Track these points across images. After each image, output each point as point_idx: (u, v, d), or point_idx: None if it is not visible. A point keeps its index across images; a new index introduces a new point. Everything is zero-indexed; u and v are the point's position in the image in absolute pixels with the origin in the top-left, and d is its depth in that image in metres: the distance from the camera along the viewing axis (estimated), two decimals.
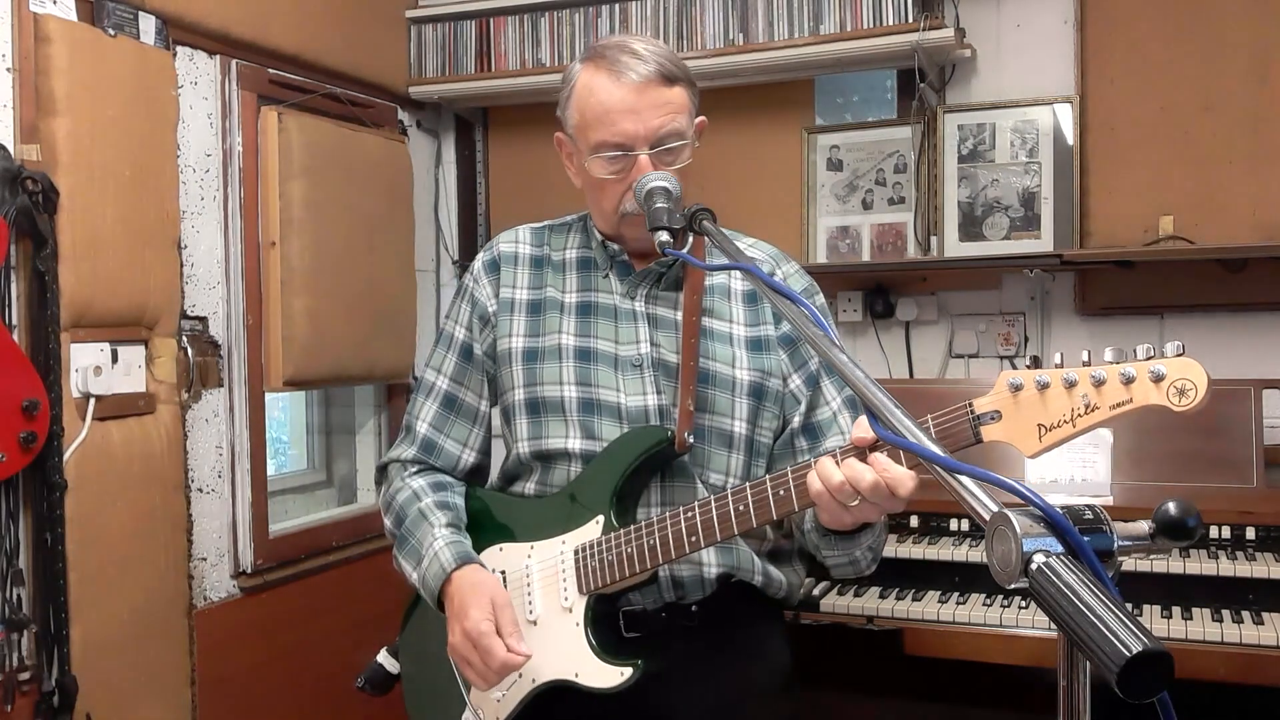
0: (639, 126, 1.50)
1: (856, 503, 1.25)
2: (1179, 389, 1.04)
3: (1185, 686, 1.51)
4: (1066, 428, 1.11)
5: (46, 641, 2.14)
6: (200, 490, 2.60)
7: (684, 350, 1.54)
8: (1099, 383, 1.08)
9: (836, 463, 1.26)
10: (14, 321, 2.12)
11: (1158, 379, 1.05)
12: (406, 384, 3.29)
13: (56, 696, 2.15)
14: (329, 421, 3.36)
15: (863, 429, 1.26)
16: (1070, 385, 1.10)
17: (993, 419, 1.16)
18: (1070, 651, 0.82)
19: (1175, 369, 1.05)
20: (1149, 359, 1.06)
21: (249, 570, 2.69)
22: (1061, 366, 1.12)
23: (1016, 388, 1.14)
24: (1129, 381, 1.07)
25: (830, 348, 1.13)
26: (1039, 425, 1.13)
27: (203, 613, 2.56)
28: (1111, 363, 1.08)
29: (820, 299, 1.65)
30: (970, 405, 1.18)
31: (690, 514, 1.41)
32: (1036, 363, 1.15)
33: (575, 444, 1.56)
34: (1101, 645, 0.72)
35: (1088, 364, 1.10)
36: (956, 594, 2.36)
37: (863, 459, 1.25)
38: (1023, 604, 2.28)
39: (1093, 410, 1.09)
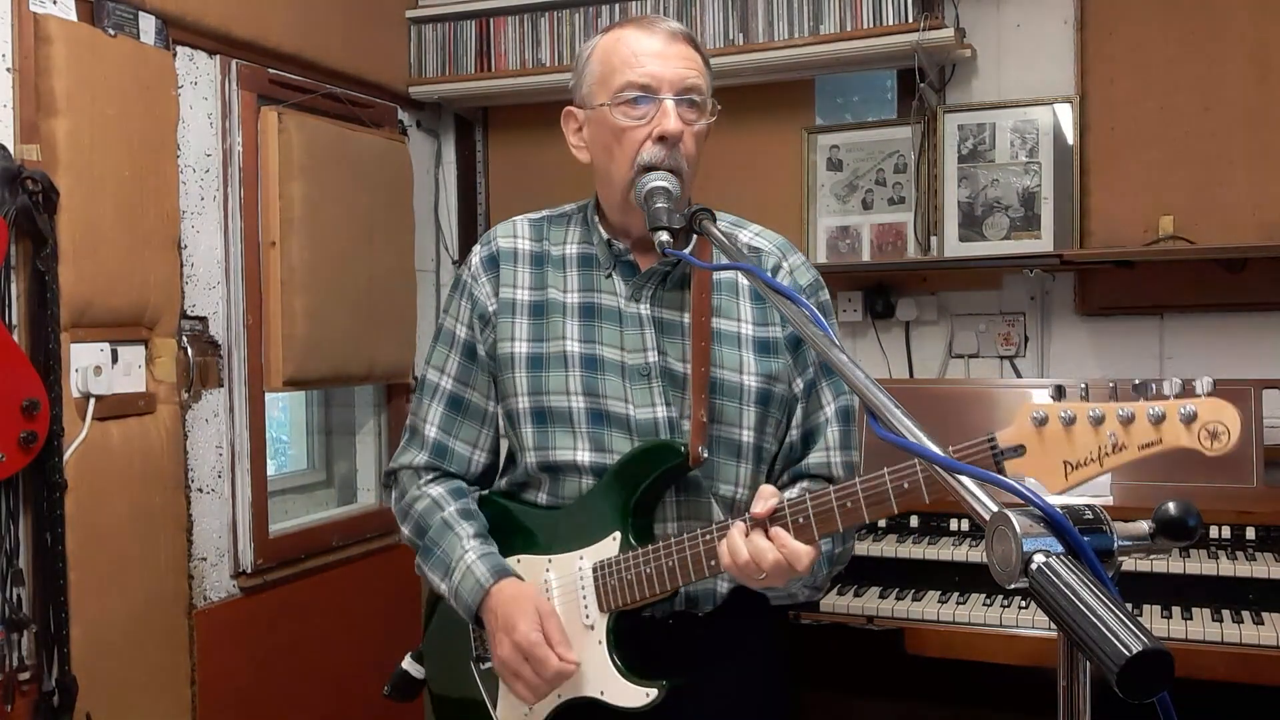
0: (666, 70, 1.48)
1: (763, 576, 1.33)
2: (1211, 432, 0.99)
3: (1185, 686, 1.51)
4: (1093, 466, 1.07)
5: (46, 641, 2.14)
6: (200, 490, 2.60)
7: (694, 356, 1.51)
8: (1127, 421, 1.04)
9: (746, 531, 1.34)
10: (14, 321, 2.12)
11: (1189, 420, 1.01)
12: (406, 384, 3.29)
13: (56, 696, 2.15)
14: (329, 421, 3.36)
15: (763, 501, 1.34)
16: (1097, 422, 1.06)
17: (1016, 453, 1.13)
18: (1070, 651, 0.82)
19: (1207, 410, 1.00)
20: (1179, 397, 1.01)
21: (249, 570, 2.69)
22: (1087, 399, 1.08)
23: (1040, 421, 1.10)
24: (1158, 421, 1.02)
25: (830, 347, 1.13)
26: (1065, 462, 1.09)
27: (203, 613, 2.56)
28: (1138, 399, 1.04)
29: (825, 294, 1.62)
30: (993, 439, 1.15)
31: (709, 537, 1.40)
32: (1060, 392, 1.10)
33: (584, 457, 1.54)
34: (1101, 645, 0.72)
35: (1114, 396, 1.06)
36: (956, 594, 2.36)
37: (766, 531, 1.33)
38: (1023, 604, 2.28)
39: (1120, 450, 1.05)
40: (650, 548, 1.45)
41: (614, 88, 1.50)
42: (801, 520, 1.32)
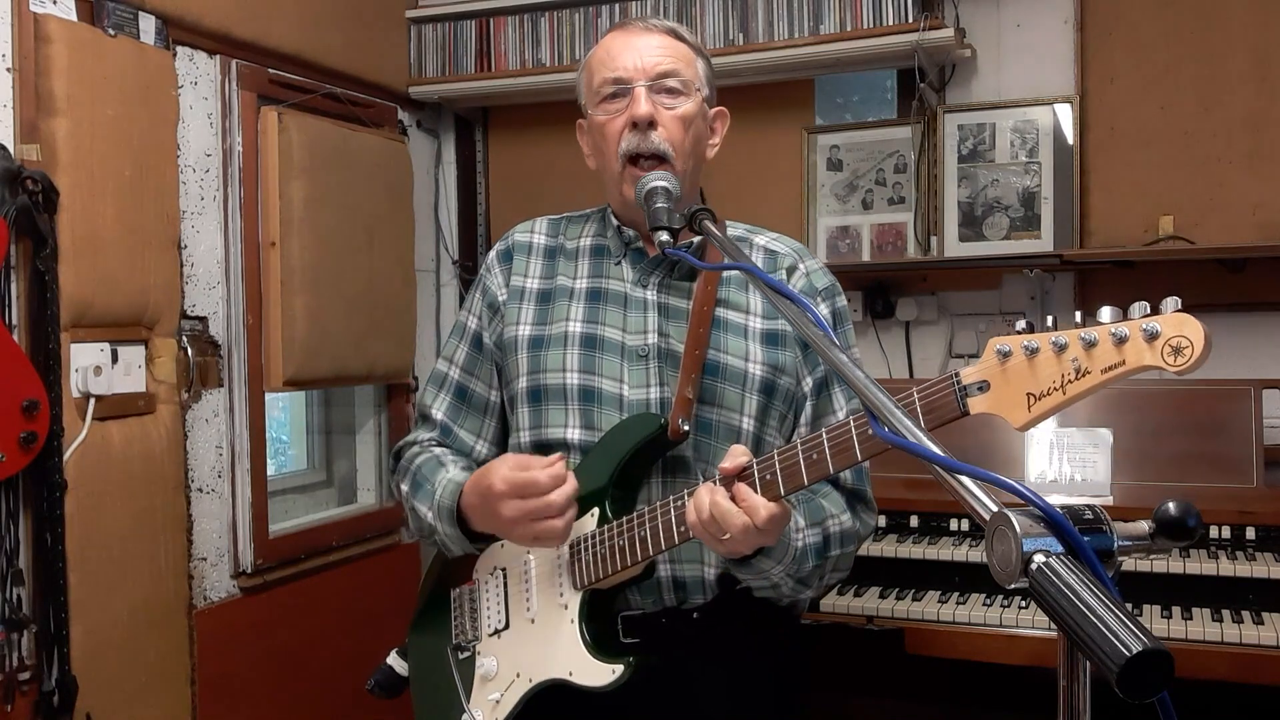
0: (637, 61, 1.52)
1: (727, 536, 1.30)
2: (1174, 347, 0.96)
3: (1185, 686, 1.51)
4: (1056, 395, 1.03)
5: (46, 641, 2.14)
6: (200, 490, 2.60)
7: (690, 339, 1.52)
8: (1090, 345, 1.01)
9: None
10: (14, 321, 2.12)
11: (1152, 337, 0.97)
12: (406, 384, 3.29)
13: (56, 696, 2.15)
14: (329, 421, 3.36)
15: (732, 459, 1.31)
16: (1060, 349, 1.03)
17: (980, 390, 1.10)
18: (1070, 651, 0.82)
19: (1170, 326, 0.97)
20: (1145, 317, 0.99)
21: (249, 570, 2.69)
22: (1055, 329, 1.05)
23: (1005, 355, 1.07)
24: (1121, 342, 0.99)
25: (830, 348, 1.12)
26: (1028, 394, 1.05)
27: (203, 613, 2.56)
28: (1104, 322, 1.01)
29: (842, 300, 1.62)
30: (957, 376, 1.13)
31: (680, 503, 1.38)
32: (1031, 328, 1.07)
33: (574, 434, 1.54)
34: (1101, 645, 0.72)
35: (1081, 324, 1.03)
36: (956, 594, 2.36)
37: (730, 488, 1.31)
38: (1023, 604, 2.28)
39: (1084, 375, 1.01)
40: (624, 519, 1.44)
41: (594, 90, 1.56)
42: (769, 476, 1.30)
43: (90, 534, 2.22)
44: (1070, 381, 1.03)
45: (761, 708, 1.59)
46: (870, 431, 1.20)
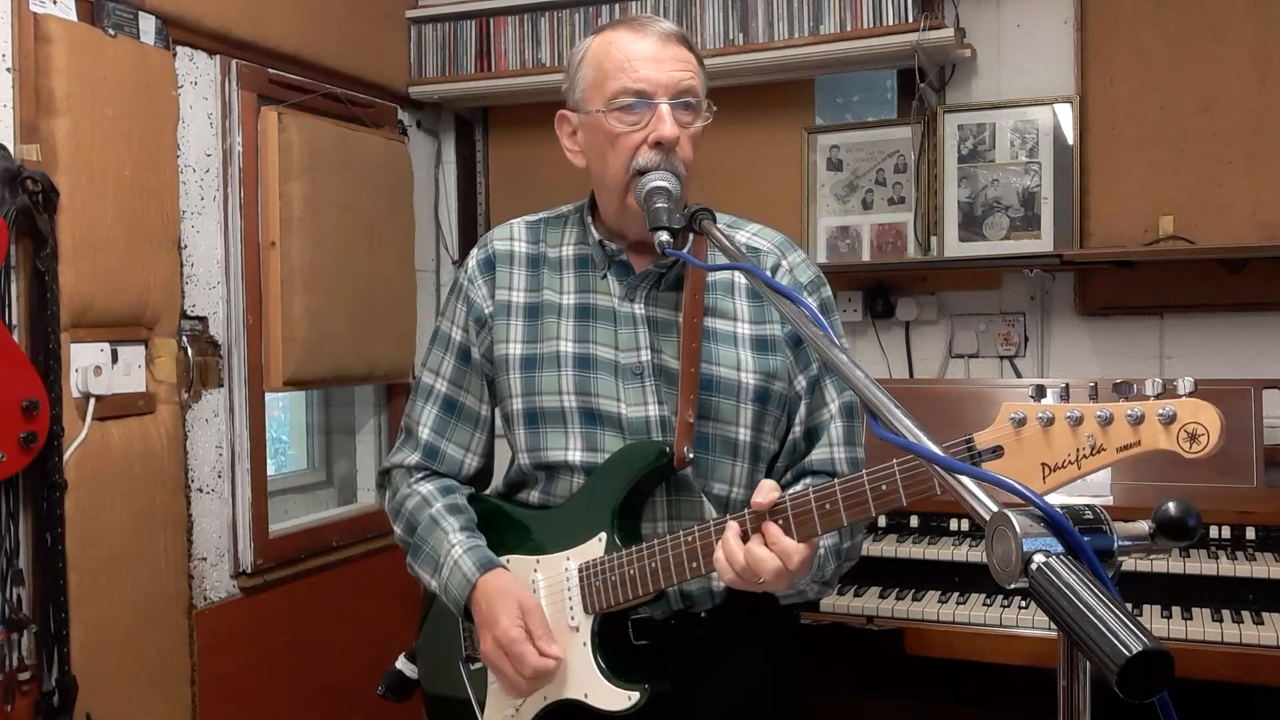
0: (661, 74, 1.47)
1: (762, 581, 1.32)
2: (1190, 433, 0.99)
3: (1185, 686, 1.51)
4: (1071, 469, 1.07)
5: (46, 641, 2.14)
6: (200, 490, 2.60)
7: (684, 355, 1.51)
8: (1105, 422, 1.04)
9: (746, 532, 1.33)
10: (14, 321, 2.12)
11: (1168, 421, 1.00)
12: (406, 384, 3.28)
13: (56, 696, 2.15)
14: (329, 421, 3.36)
15: (763, 494, 1.32)
16: (1076, 423, 1.05)
17: (994, 455, 1.13)
18: (1070, 651, 0.82)
19: (1187, 411, 0.99)
20: (1159, 397, 1.01)
21: (249, 570, 2.69)
22: (1067, 399, 1.07)
23: (1019, 422, 1.10)
24: (1137, 422, 1.02)
25: (830, 347, 1.12)
26: (1043, 464, 1.08)
27: (203, 613, 2.56)
28: (1119, 400, 1.03)
29: (827, 291, 1.61)
30: (971, 440, 1.15)
31: (691, 538, 1.40)
32: (1041, 392, 1.10)
33: (576, 456, 1.54)
34: (1101, 645, 0.72)
35: (1094, 398, 1.05)
36: (956, 594, 2.36)
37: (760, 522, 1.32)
38: (1023, 604, 2.28)
39: (1099, 451, 1.04)
40: (634, 549, 1.44)
41: (608, 93, 1.49)
42: (780, 522, 1.31)
43: (90, 534, 2.22)
44: (1085, 457, 1.06)
45: (766, 707, 1.59)
46: (884, 487, 1.24)
